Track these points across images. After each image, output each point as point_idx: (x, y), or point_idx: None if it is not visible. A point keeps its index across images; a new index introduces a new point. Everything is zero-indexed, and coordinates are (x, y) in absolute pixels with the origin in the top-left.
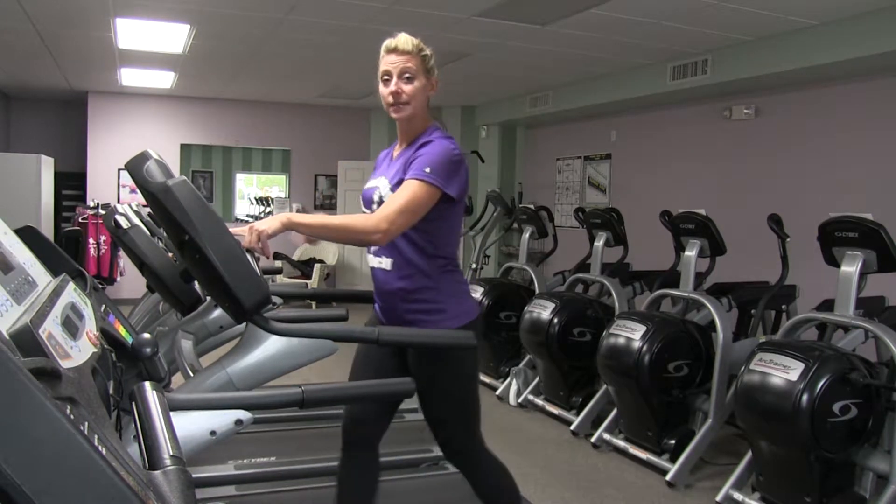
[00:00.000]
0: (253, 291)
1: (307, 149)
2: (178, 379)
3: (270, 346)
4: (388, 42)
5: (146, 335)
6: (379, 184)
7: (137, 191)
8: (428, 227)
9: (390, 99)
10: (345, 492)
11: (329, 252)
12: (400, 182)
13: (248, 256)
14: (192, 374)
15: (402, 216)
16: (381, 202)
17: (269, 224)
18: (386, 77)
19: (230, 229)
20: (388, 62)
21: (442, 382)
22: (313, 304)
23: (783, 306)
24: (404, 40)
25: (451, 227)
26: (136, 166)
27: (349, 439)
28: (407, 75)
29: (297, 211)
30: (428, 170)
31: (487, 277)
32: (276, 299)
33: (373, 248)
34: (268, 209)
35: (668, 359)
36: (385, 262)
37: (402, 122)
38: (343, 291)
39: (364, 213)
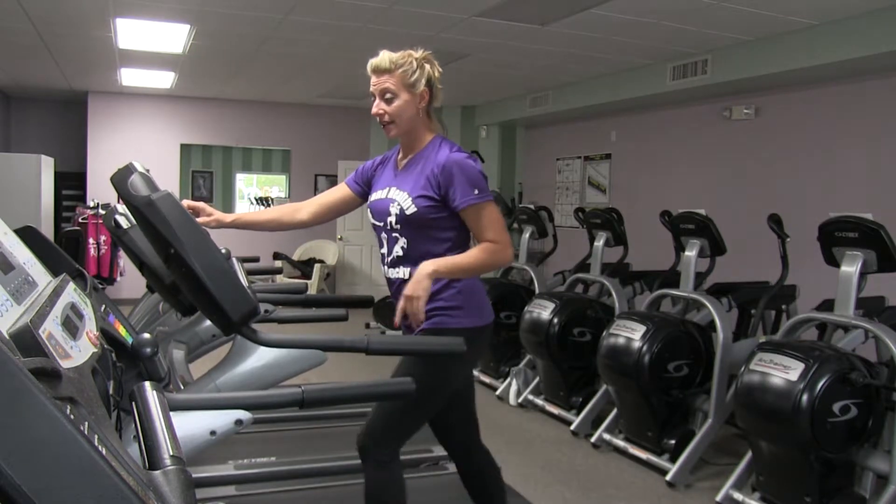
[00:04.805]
0: (240, 304)
1: (307, 149)
2: None
3: (260, 358)
4: (370, 62)
5: (146, 335)
6: (396, 196)
7: None
8: (451, 233)
9: (378, 119)
10: (476, 495)
11: (329, 252)
12: (422, 196)
13: (237, 268)
14: (182, 387)
15: (506, 232)
16: (400, 214)
17: (425, 290)
18: (372, 98)
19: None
20: (371, 83)
21: (422, 378)
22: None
23: (783, 306)
24: (381, 59)
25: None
26: (120, 180)
27: (448, 449)
28: (388, 95)
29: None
30: (477, 191)
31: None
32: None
33: (390, 259)
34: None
35: (668, 359)
36: (404, 272)
37: (399, 136)
38: (339, 297)
39: (375, 224)
